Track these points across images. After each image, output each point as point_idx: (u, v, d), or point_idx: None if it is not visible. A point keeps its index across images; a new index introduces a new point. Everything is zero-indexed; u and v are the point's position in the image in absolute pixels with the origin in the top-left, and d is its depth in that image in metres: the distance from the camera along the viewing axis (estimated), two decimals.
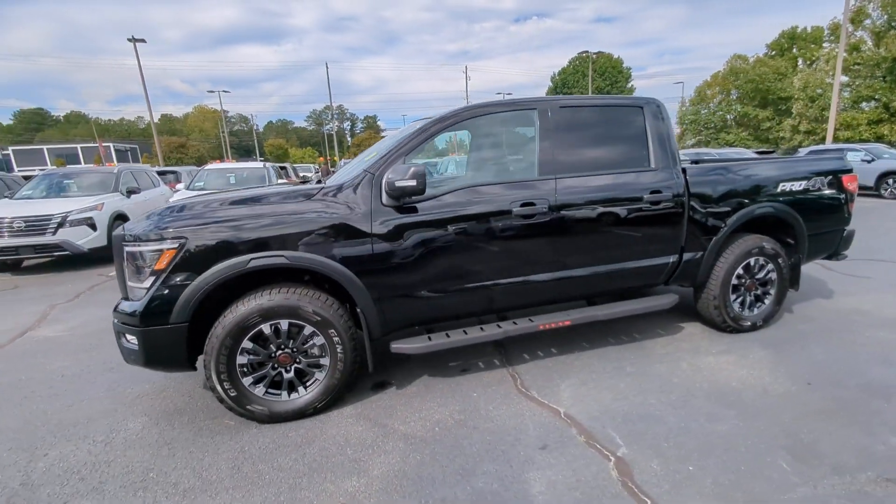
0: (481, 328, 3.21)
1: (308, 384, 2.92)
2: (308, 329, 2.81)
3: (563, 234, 3.22)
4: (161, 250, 2.61)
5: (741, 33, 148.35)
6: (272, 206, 2.81)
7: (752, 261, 3.76)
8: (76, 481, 2.39)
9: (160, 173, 13.81)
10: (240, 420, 2.86)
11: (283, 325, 2.76)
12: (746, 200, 3.69)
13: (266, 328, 2.75)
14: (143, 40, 28.46)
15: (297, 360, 2.86)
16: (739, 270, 3.74)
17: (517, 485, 2.26)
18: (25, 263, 8.06)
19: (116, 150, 45.85)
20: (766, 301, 3.93)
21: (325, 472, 2.39)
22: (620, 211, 3.35)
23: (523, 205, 3.09)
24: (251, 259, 2.67)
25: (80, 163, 40.12)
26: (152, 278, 2.62)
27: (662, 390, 3.07)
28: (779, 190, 3.79)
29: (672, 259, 3.58)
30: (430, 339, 3.12)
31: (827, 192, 3.95)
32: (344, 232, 2.82)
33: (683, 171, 3.56)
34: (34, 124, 74.63)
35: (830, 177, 3.97)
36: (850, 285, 5.02)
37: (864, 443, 2.45)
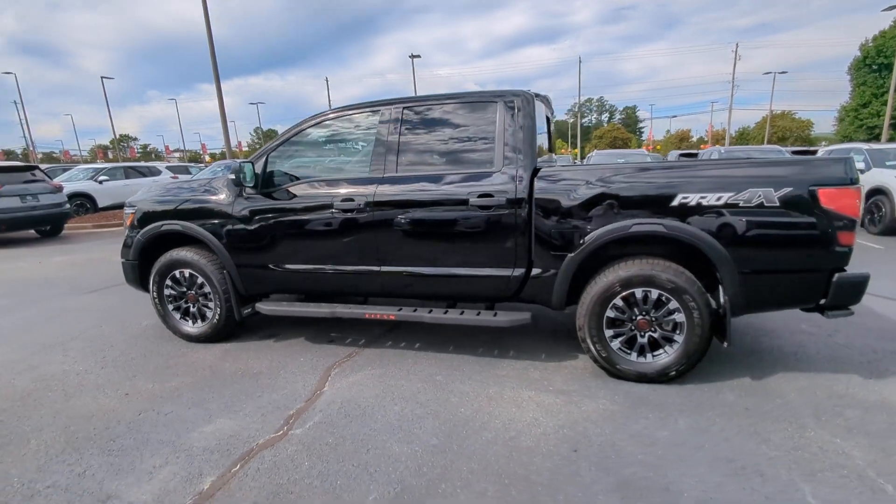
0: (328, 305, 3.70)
1: None
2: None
3: (382, 231, 3.36)
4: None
5: None
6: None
7: (638, 292, 2.96)
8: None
9: None
10: None
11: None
12: (620, 213, 2.93)
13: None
14: (418, 55, 35.17)
15: None
16: (618, 301, 3.01)
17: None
18: None
19: None
20: (669, 349, 3.01)
21: None
22: (442, 213, 3.23)
23: (343, 200, 3.40)
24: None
25: None
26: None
27: (420, 402, 2.96)
28: (677, 203, 2.84)
29: (515, 272, 3.19)
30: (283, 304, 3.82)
31: (780, 210, 2.71)
32: (214, 213, 3.78)
33: (535, 172, 3.11)
34: None
35: (789, 189, 2.70)
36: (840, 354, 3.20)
37: None
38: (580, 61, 51.77)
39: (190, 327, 4.04)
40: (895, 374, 3.09)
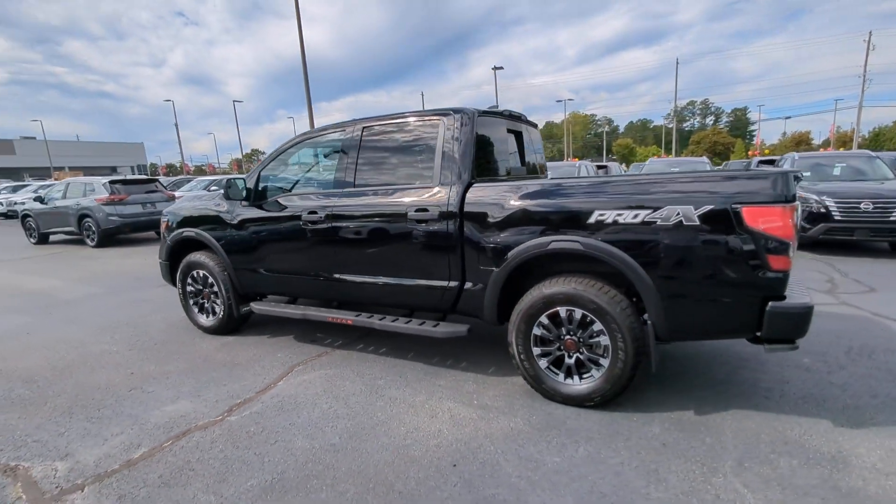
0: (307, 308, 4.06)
1: None
2: None
3: (339, 242, 3.60)
4: None
5: None
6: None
7: (563, 311, 2.85)
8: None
9: None
10: None
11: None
12: (543, 229, 2.84)
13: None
14: (500, 67, 35.49)
15: None
16: (544, 319, 2.92)
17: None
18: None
19: None
20: (596, 372, 2.84)
21: None
22: (386, 226, 3.38)
23: (309, 212, 3.71)
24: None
25: None
26: None
27: (349, 403, 3.14)
28: (594, 220, 2.68)
29: (450, 285, 3.23)
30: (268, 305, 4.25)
31: (701, 229, 2.44)
32: (218, 221, 4.32)
33: (468, 186, 3.13)
34: None
35: (710, 206, 2.42)
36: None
37: None
38: (677, 63, 47.52)
39: (204, 320, 4.63)
40: (876, 424, 2.60)
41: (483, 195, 3.08)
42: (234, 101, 45.78)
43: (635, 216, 2.58)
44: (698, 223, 2.45)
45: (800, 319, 2.38)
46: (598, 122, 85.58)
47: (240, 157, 69.42)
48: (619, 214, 2.62)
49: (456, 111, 3.28)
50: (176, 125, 53.89)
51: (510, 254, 2.93)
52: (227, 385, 3.49)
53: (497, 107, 3.88)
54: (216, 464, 2.54)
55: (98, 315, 5.54)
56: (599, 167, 14.74)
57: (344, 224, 3.55)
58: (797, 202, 2.38)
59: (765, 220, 2.33)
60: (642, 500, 2.12)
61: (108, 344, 4.51)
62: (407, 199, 3.31)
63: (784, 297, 2.42)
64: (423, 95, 67.65)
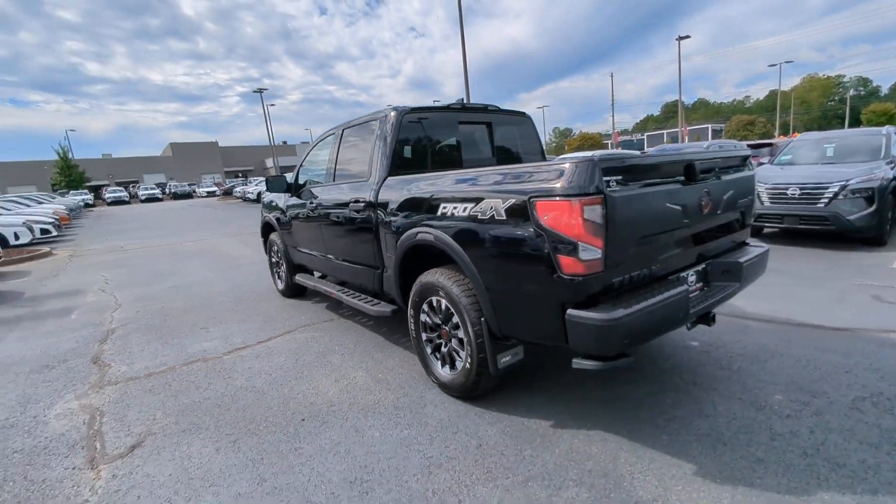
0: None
1: None
2: None
3: (324, 227, 4.23)
4: None
5: None
6: None
7: (434, 300, 2.90)
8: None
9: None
10: None
11: None
12: (417, 220, 2.90)
13: None
14: (686, 36, 29.96)
15: None
16: (426, 307, 3.01)
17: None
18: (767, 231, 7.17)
19: (713, 130, 49.55)
20: (458, 364, 2.81)
21: None
22: (343, 216, 3.83)
23: (311, 201, 4.42)
24: None
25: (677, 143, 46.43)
26: None
27: (294, 359, 3.75)
28: (440, 213, 2.63)
29: (377, 270, 3.52)
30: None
31: (507, 223, 2.23)
32: (277, 208, 5.40)
33: (384, 180, 3.34)
34: (672, 112, 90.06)
35: (514, 199, 2.15)
36: None
37: None
38: None
39: (277, 285, 5.89)
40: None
41: (389, 188, 3.28)
42: (433, 100, 50.50)
43: (465, 209, 2.50)
44: (505, 217, 2.26)
45: (605, 333, 2.00)
46: (845, 85, 64.60)
47: None
48: (455, 207, 2.57)
49: (389, 110, 3.51)
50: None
51: (398, 243, 3.10)
52: (250, 334, 4.51)
53: (463, 101, 3.87)
54: (184, 384, 3.49)
55: (242, 277, 7.40)
56: (757, 146, 11.54)
57: (324, 212, 4.16)
58: (602, 195, 1.98)
59: (552, 215, 2.03)
60: (395, 485, 2.20)
61: (226, 297, 6.12)
62: (353, 193, 3.72)
63: (591, 305, 2.06)
64: (612, 77, 62.19)
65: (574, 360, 2.21)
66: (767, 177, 6.59)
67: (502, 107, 4.13)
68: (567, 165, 2.03)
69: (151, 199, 42.79)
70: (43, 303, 6.61)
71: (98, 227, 19.76)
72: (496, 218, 2.32)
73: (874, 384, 2.73)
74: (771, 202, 6.39)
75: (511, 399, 2.90)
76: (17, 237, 13.25)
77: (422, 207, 2.88)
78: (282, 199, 5.24)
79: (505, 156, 4.12)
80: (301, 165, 4.99)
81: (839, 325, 3.60)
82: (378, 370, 3.46)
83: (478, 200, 2.42)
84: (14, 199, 26.28)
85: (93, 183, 51.68)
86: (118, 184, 53.34)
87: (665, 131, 52.56)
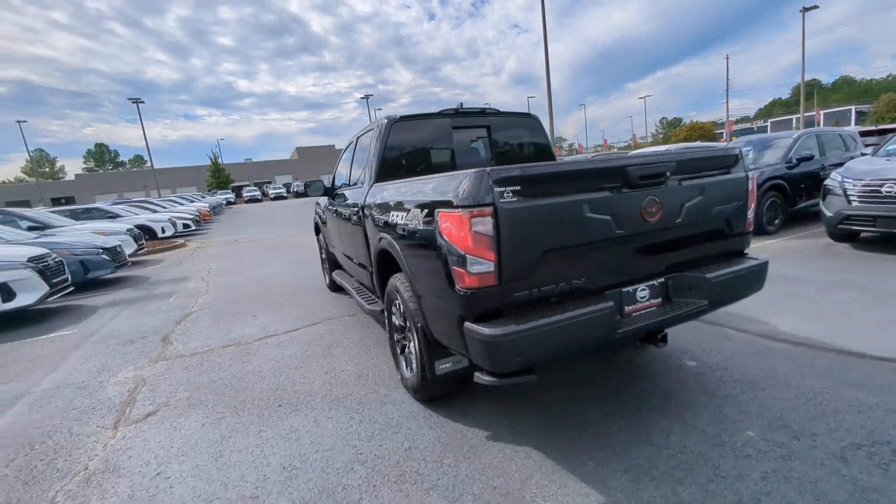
0: None
1: None
2: None
3: (340, 228, 4.50)
4: None
5: None
6: None
7: (397, 302, 2.97)
8: None
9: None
10: None
11: None
12: (382, 225, 2.97)
13: None
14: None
15: None
16: (393, 309, 3.09)
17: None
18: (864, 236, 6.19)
19: (856, 112, 41.72)
20: (414, 367, 2.85)
21: None
22: (347, 217, 4.04)
23: (337, 204, 4.72)
24: None
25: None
26: None
27: (300, 348, 4.06)
28: (391, 220, 2.65)
29: (368, 271, 3.67)
30: None
31: (424, 233, 2.21)
32: (320, 207, 5.83)
33: (372, 186, 3.47)
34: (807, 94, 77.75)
35: (427, 210, 2.13)
36: None
37: None
38: None
39: (326, 281, 6.37)
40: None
41: (372, 195, 3.40)
42: (528, 97, 49.19)
43: (402, 217, 2.54)
44: (423, 227, 2.26)
45: (487, 349, 1.92)
46: None
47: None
48: (397, 215, 2.61)
49: (379, 120, 3.63)
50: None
51: (372, 247, 3.22)
52: (285, 324, 4.98)
53: (462, 105, 3.83)
54: (212, 364, 4.01)
55: (309, 271, 8.07)
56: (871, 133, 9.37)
57: (341, 213, 4.42)
58: (492, 207, 1.88)
59: (448, 227, 1.99)
60: (316, 476, 2.35)
61: (287, 288, 6.78)
62: (353, 197, 3.91)
63: (493, 318, 1.98)
64: (727, 59, 54.70)
65: (475, 374, 2.15)
66: (861, 171, 5.47)
67: (519, 109, 4.02)
68: (467, 175, 1.98)
69: (278, 198, 48.14)
70: (157, 287, 7.91)
71: (229, 222, 22.79)
72: (418, 228, 2.33)
73: (885, 431, 2.21)
74: (861, 202, 5.30)
75: (465, 405, 2.87)
76: (163, 231, 15.85)
77: (385, 214, 2.96)
78: (323, 202, 5.65)
79: (508, 158, 4.00)
80: (335, 170, 5.33)
81: (885, 355, 2.93)
82: (365, 366, 3.63)
83: (408, 210, 2.45)
84: (172, 198, 31.26)
85: (235, 183, 59.39)
86: (255, 184, 60.70)
87: (795, 116, 45.18)
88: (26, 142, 65.06)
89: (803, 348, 3.14)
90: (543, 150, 4.18)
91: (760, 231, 6.86)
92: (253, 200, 47.07)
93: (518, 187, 1.95)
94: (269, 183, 64.85)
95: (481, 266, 1.93)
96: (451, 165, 3.76)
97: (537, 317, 1.97)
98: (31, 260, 6.34)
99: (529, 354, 1.96)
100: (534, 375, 2.06)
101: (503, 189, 1.92)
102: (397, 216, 2.63)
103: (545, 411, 2.72)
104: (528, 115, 4.14)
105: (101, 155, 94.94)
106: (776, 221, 6.93)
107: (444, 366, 2.59)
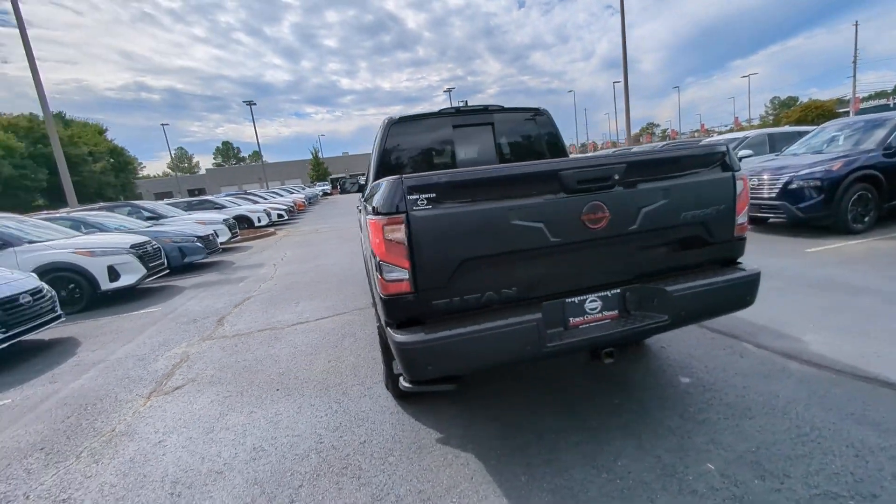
0: None
1: None
2: None
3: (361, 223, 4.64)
4: None
5: None
6: None
7: None
8: None
9: None
10: None
11: None
12: (360, 225, 3.02)
13: None
14: None
15: None
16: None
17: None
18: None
19: None
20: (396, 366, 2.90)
21: None
22: (359, 212, 4.16)
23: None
24: None
25: None
26: None
27: (311, 336, 4.29)
28: (361, 220, 2.69)
29: None
30: None
31: (369, 238, 2.19)
32: None
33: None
34: None
35: (368, 214, 2.12)
36: None
37: None
38: None
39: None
40: None
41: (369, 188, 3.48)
42: (613, 82, 45.86)
43: (362, 220, 2.56)
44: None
45: (399, 355, 1.91)
46: None
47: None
48: (361, 217, 2.64)
49: (384, 121, 3.68)
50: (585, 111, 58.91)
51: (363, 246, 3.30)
52: (318, 312, 5.30)
53: (466, 103, 3.73)
54: (244, 346, 4.41)
55: (362, 263, 8.48)
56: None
57: (359, 208, 4.57)
58: (404, 214, 1.85)
59: (371, 234, 1.98)
60: (277, 459, 2.51)
61: (336, 279, 7.19)
62: (360, 195, 4.02)
63: (413, 325, 1.97)
64: (856, 25, 45.89)
65: (400, 379, 2.13)
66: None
67: (607, 94, 3.85)
68: (383, 183, 1.96)
69: (361, 189, 50.64)
70: (236, 272, 8.80)
71: (320, 213, 24.48)
72: (367, 233, 2.35)
73: (876, 482, 1.81)
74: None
75: (437, 404, 2.86)
76: (258, 220, 17.50)
77: (360, 215, 3.03)
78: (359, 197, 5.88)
79: (513, 154, 3.84)
80: (368, 171, 5.49)
81: None
82: (365, 358, 3.76)
83: (361, 214, 2.48)
84: (276, 190, 34.22)
85: (333, 176, 63.48)
86: (351, 176, 64.38)
87: None
88: (168, 143, 75.78)
89: (827, 372, 2.66)
90: (553, 145, 3.94)
91: (845, 229, 5.90)
92: (346, 192, 50.01)
93: (433, 194, 1.89)
94: (363, 174, 68.18)
95: (397, 274, 1.92)
96: (451, 164, 3.71)
97: (453, 327, 1.91)
98: (132, 247, 7.40)
99: (441, 364, 1.91)
100: (453, 385, 2.01)
101: (417, 196, 1.88)
102: (361, 219, 2.68)
103: (506, 418, 2.62)
104: (536, 109, 3.92)
105: (226, 151, 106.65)
106: (866, 219, 5.82)
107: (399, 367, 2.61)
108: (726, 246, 2.31)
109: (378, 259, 1.94)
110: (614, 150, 16.75)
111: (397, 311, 1.98)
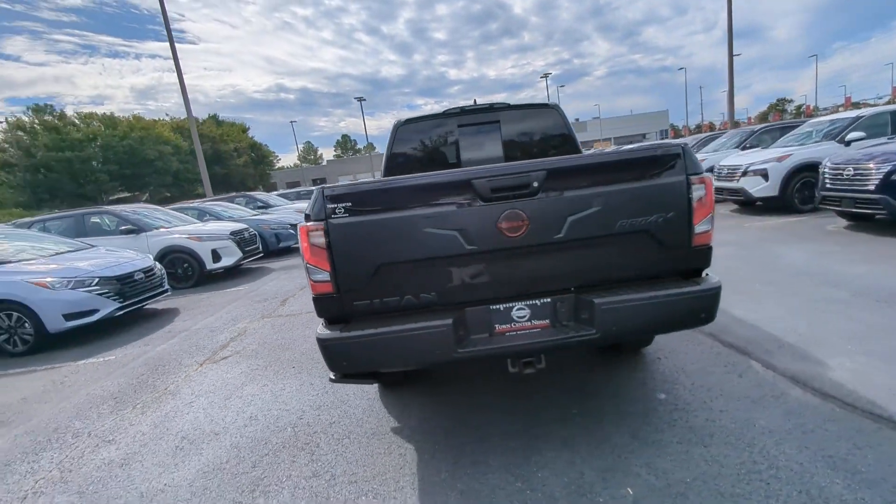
0: None
1: None
2: None
3: None
4: None
5: None
6: None
7: None
8: None
9: None
10: None
11: None
12: None
13: None
14: None
15: None
16: None
17: None
18: None
19: None
20: None
21: None
22: None
23: None
24: None
25: None
26: None
27: None
28: None
29: None
30: None
31: None
32: None
33: None
34: None
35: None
36: None
37: None
38: None
39: None
40: None
41: None
42: (735, 55, 39.33)
43: None
44: None
45: (320, 348, 2.05)
46: None
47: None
48: None
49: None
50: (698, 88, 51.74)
51: None
52: None
53: (475, 101, 3.67)
54: (288, 326, 4.93)
55: None
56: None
57: None
58: (324, 222, 1.96)
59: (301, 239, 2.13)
60: (262, 428, 2.85)
61: None
62: None
63: (333, 323, 2.10)
64: None
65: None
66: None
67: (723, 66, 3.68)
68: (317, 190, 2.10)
69: None
70: None
71: None
72: None
73: None
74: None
75: (415, 393, 2.96)
76: None
77: None
78: None
79: (521, 152, 3.70)
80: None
81: None
82: None
83: None
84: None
85: None
86: None
87: None
88: (296, 138, 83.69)
89: (831, 405, 2.21)
90: (565, 142, 3.71)
91: None
92: None
93: (349, 203, 1.98)
94: None
95: (321, 276, 2.06)
96: (457, 164, 3.71)
97: (367, 327, 2.01)
98: (232, 233, 8.55)
99: (355, 361, 2.02)
100: (372, 381, 2.10)
101: (335, 206, 1.99)
102: None
103: (465, 417, 2.64)
104: (545, 105, 3.71)
105: (344, 143, 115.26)
106: None
107: None
108: (682, 257, 2.05)
109: (305, 262, 2.10)
110: (728, 130, 14.50)
111: (324, 309, 2.13)
